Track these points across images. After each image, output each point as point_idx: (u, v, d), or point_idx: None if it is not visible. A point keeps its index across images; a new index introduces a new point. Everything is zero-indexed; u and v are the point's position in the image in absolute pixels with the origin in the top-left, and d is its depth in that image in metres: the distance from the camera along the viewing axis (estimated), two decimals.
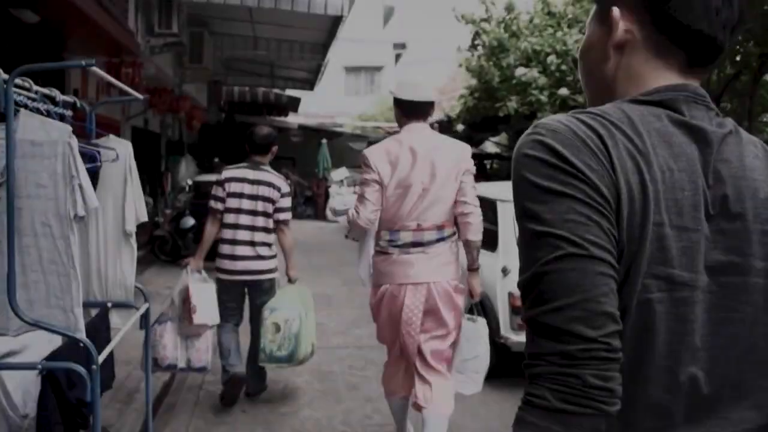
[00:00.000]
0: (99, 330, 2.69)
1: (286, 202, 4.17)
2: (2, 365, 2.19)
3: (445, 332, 3.16)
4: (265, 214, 4.10)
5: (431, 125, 3.43)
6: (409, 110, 3.20)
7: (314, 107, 21.74)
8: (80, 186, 1.97)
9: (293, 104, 17.03)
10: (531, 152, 0.86)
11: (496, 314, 4.55)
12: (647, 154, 0.86)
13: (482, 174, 12.84)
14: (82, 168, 1.98)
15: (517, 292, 0.98)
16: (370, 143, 3.13)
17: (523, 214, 0.87)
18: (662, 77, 0.95)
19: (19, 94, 2.12)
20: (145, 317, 3.09)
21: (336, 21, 8.46)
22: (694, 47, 0.94)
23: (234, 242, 4.06)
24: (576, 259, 0.81)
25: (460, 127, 12.44)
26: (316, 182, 18.00)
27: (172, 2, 7.74)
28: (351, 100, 25.62)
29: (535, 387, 0.81)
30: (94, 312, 2.92)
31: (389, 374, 3.41)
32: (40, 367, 2.03)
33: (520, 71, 8.07)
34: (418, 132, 3.17)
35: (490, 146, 13.37)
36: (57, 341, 2.44)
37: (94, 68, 2.50)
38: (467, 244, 3.19)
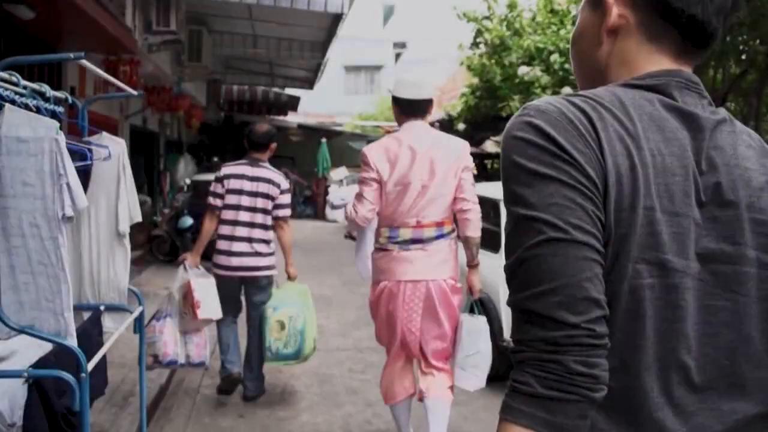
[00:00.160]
0: (91, 334, 2.59)
1: (286, 198, 4.17)
2: None
3: (443, 331, 3.20)
4: (264, 211, 4.10)
5: (432, 124, 3.45)
6: (407, 108, 3.21)
7: (314, 106, 21.69)
8: (68, 185, 1.88)
9: (293, 103, 16.94)
10: (519, 134, 0.86)
11: (498, 317, 4.47)
12: (638, 138, 0.85)
13: (483, 174, 12.81)
14: (70, 166, 1.89)
15: None
16: (370, 143, 3.13)
17: (509, 198, 0.86)
18: (655, 62, 0.94)
19: (6, 89, 2.03)
20: (139, 321, 2.99)
21: (336, 19, 8.38)
22: (687, 32, 0.93)
23: (231, 238, 4.06)
24: (559, 243, 0.80)
25: (461, 125, 12.36)
26: (316, 182, 17.93)
27: None
28: (351, 99, 25.56)
29: (521, 373, 0.81)
30: (86, 315, 2.83)
31: (389, 377, 3.35)
32: (26, 375, 1.94)
33: (522, 70, 7.99)
34: (417, 130, 3.18)
35: (491, 145, 13.29)
36: (48, 345, 2.36)
37: (90, 65, 2.42)
38: (467, 240, 3.21)
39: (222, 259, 4.09)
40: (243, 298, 4.28)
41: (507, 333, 4.39)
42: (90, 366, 2.12)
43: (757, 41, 5.89)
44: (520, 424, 0.80)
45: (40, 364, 2.06)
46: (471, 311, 3.35)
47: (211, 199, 4.14)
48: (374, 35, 26.20)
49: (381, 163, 3.12)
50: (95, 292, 2.83)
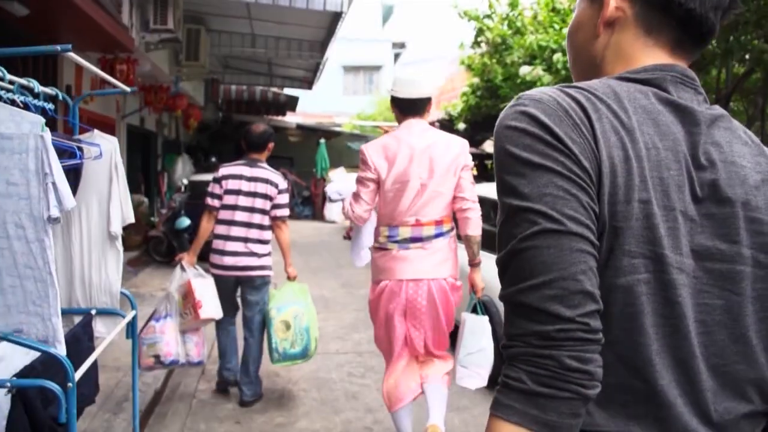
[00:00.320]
0: (81, 340, 2.49)
1: (284, 198, 4.19)
2: None
3: (441, 325, 3.23)
4: (262, 212, 4.12)
5: (432, 124, 3.43)
6: (405, 107, 3.22)
7: (313, 107, 21.63)
8: (54, 184, 1.78)
9: (291, 103, 16.84)
10: (512, 123, 0.84)
11: (501, 320, 4.38)
12: (632, 130, 0.84)
13: (483, 174, 12.72)
14: (56, 164, 1.79)
15: None
16: None
17: (502, 189, 0.85)
18: (651, 56, 0.94)
19: None
20: (132, 325, 2.89)
21: (335, 18, 8.31)
22: (684, 27, 0.93)
23: (227, 238, 4.09)
24: (553, 235, 0.78)
25: (461, 125, 12.27)
26: (314, 182, 17.85)
27: None
28: (350, 99, 25.49)
29: (512, 369, 0.79)
30: (77, 320, 2.73)
31: (393, 380, 3.30)
32: (9, 385, 1.84)
33: (524, 69, 7.89)
34: (416, 128, 3.18)
35: (491, 146, 13.19)
36: (35, 351, 2.27)
37: (78, 58, 2.32)
38: (467, 239, 3.22)
39: (216, 258, 4.11)
40: (239, 300, 4.26)
41: None
42: (78, 374, 2.03)
43: (762, 40, 5.81)
44: (511, 421, 0.78)
45: (25, 372, 1.96)
46: (474, 311, 3.36)
47: (208, 200, 4.15)
48: (373, 35, 26.16)
49: (379, 161, 3.13)
50: (86, 295, 2.73)
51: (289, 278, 4.23)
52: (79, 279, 2.72)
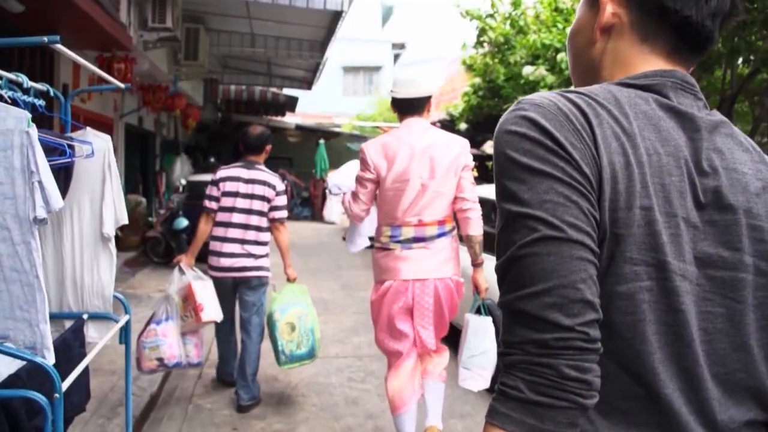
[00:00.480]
0: (71, 346, 2.40)
1: (282, 200, 4.17)
2: None
3: (444, 321, 3.26)
4: (260, 213, 4.10)
5: (432, 124, 3.46)
6: (405, 107, 3.21)
7: (312, 107, 21.55)
8: (40, 183, 1.69)
9: (291, 104, 16.74)
10: (513, 128, 0.83)
11: None
12: (633, 136, 0.83)
13: (484, 176, 12.63)
14: (43, 163, 1.70)
15: None
16: None
17: (501, 195, 0.83)
18: (648, 63, 0.93)
19: None
20: (125, 330, 2.80)
21: (335, 17, 8.24)
22: (681, 34, 0.92)
23: (224, 239, 4.07)
24: (553, 242, 0.77)
25: (462, 126, 12.18)
26: (314, 183, 17.75)
27: None
28: (349, 100, 25.43)
29: (510, 377, 0.78)
30: (68, 324, 2.63)
31: (398, 381, 3.24)
32: None
33: (527, 69, 7.81)
34: (416, 127, 3.17)
35: (492, 147, 13.10)
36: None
37: (66, 50, 2.23)
38: (469, 239, 3.21)
39: (213, 260, 4.10)
40: (237, 302, 4.22)
41: None
42: (67, 383, 1.93)
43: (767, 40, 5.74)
44: (508, 430, 0.76)
45: (9, 382, 1.86)
46: (477, 312, 3.33)
47: (206, 202, 4.13)
48: (373, 36, 26.09)
49: (378, 160, 3.13)
50: (78, 299, 2.64)
51: (288, 280, 4.19)
52: (71, 282, 2.63)
